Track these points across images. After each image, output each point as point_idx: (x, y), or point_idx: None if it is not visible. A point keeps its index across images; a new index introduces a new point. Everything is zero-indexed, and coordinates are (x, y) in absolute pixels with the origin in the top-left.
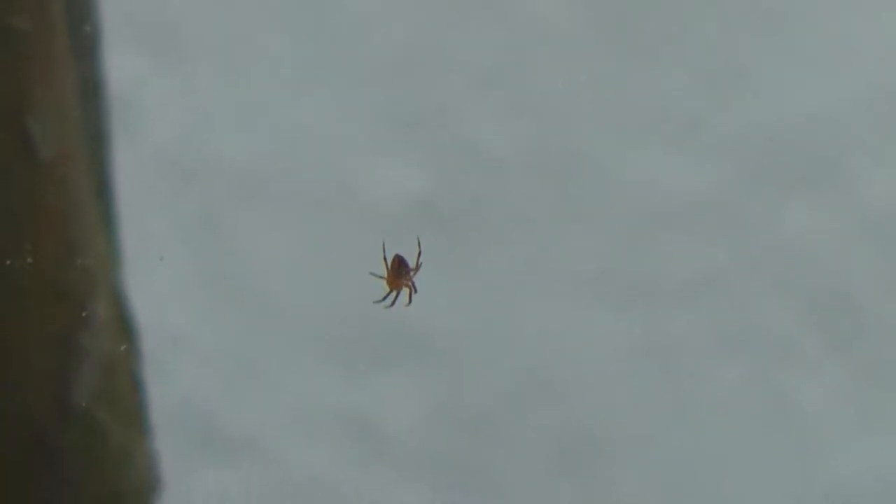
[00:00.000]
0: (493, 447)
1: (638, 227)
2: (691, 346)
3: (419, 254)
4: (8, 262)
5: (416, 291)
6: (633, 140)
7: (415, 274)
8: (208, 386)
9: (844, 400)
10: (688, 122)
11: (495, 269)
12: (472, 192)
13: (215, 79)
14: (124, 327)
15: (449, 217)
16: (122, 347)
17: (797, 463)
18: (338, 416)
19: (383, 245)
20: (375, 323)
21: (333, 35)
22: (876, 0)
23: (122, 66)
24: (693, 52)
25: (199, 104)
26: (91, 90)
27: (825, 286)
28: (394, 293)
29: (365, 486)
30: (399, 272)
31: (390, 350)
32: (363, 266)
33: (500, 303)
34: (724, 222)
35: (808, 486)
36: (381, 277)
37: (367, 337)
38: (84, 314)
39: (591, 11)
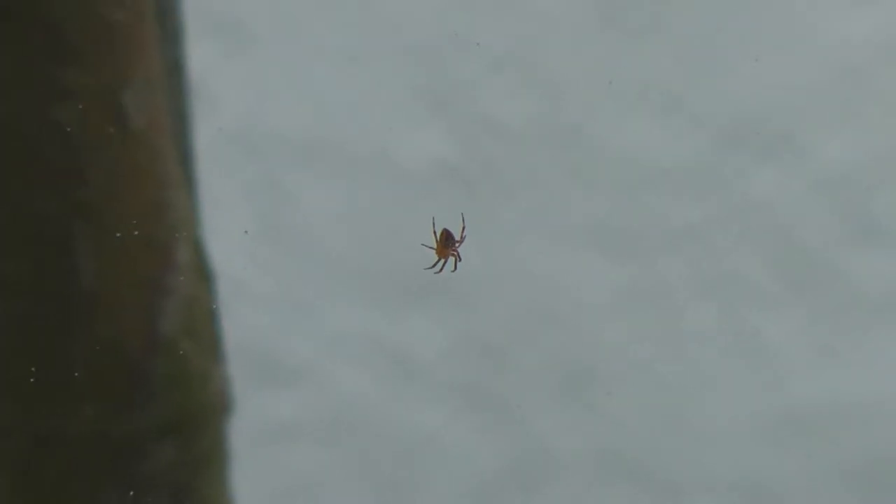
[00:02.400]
0: (506, 371)
1: (628, 187)
2: (673, 287)
3: (463, 228)
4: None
5: (460, 260)
6: (624, 113)
7: (459, 245)
8: (269, 321)
9: (802, 334)
10: (671, 99)
11: (508, 222)
12: (489, 156)
13: (275, 63)
14: (203, 272)
15: (469, 177)
16: (201, 288)
17: (761, 387)
18: (375, 347)
19: (433, 220)
20: (408, 268)
21: (373, 26)
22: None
23: (198, 52)
24: (675, 40)
25: (262, 84)
26: (174, 72)
27: (786, 238)
28: (441, 261)
29: (398, 403)
30: (446, 243)
31: (420, 291)
32: (399, 219)
33: (511, 250)
34: (701, 184)
35: (769, 406)
36: (430, 248)
37: (400, 280)
38: (171, 256)
39: (590, 4)
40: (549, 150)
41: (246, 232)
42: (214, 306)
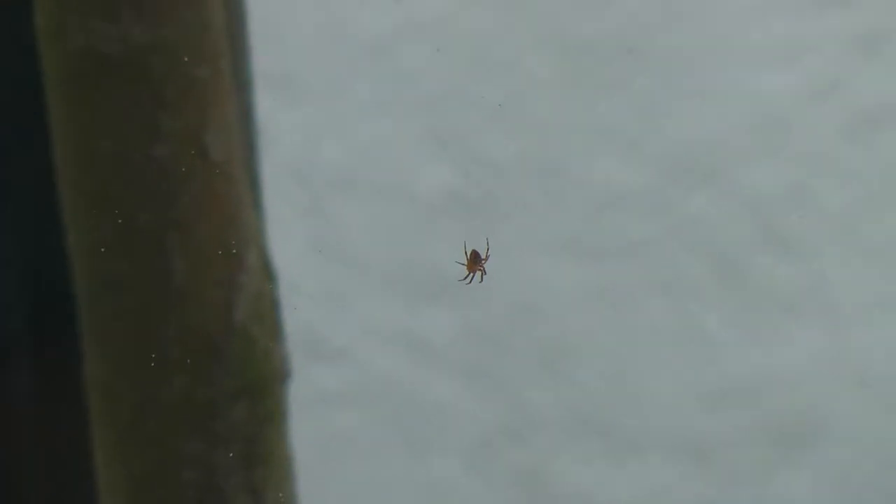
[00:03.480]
0: (500, 351)
1: (595, 208)
2: (631, 286)
3: (487, 249)
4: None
5: (486, 274)
6: (594, 152)
7: (485, 262)
8: (315, 313)
9: (732, 322)
10: (629, 140)
11: (502, 237)
12: (487, 186)
13: (317, 111)
14: (267, 273)
15: (470, 202)
16: (266, 286)
17: (700, 363)
18: (400, 333)
19: (464, 243)
20: (426, 272)
21: (398, 80)
22: (755, 56)
23: (263, 101)
24: (632, 94)
25: (310, 127)
26: (245, 116)
27: (720, 249)
28: (470, 275)
29: (418, 376)
30: (475, 261)
31: (435, 291)
32: (418, 234)
33: (505, 259)
34: (652, 205)
35: (707, 378)
36: (462, 264)
37: (420, 282)
38: (244, 260)
39: (566, 65)
40: (535, 181)
41: (320, 251)
42: (276, 300)
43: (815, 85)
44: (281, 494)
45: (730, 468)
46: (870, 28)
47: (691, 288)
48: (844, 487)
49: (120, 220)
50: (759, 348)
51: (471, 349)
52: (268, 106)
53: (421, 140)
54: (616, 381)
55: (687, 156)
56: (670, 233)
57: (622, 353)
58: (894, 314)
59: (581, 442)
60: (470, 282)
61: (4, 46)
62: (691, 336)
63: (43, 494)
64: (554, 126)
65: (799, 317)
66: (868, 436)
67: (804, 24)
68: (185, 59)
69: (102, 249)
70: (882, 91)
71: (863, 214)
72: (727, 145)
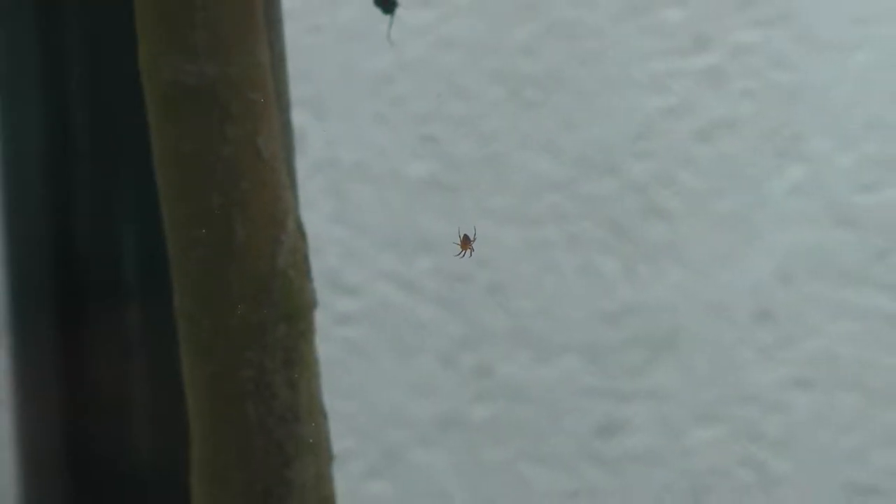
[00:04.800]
0: (464, 288)
1: (529, 190)
2: (554, 244)
3: (475, 234)
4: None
5: (473, 251)
6: (528, 150)
7: (473, 242)
8: (334, 262)
9: (623, 268)
10: (552, 142)
11: (464, 208)
12: (455, 174)
13: (336, 123)
14: (301, 233)
15: (444, 185)
16: (300, 242)
17: (600, 296)
18: (393, 276)
19: (459, 229)
20: (413, 233)
21: (391, 102)
22: (639, 86)
23: (297, 116)
24: (555, 110)
25: (329, 134)
26: (285, 127)
27: (615, 217)
28: (462, 252)
29: (410, 303)
30: (465, 242)
31: (420, 246)
32: (408, 206)
33: (466, 225)
34: (569, 188)
35: (604, 306)
36: (457, 244)
37: (409, 240)
38: (285, 226)
39: (509, 90)
40: (488, 170)
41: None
42: (306, 253)
43: (679, 105)
44: (310, 387)
45: (618, 365)
46: (715, 67)
47: (594, 244)
48: (697, 379)
49: (198, 201)
50: (640, 285)
51: (443, 286)
52: (301, 120)
53: (410, 142)
54: (542, 306)
55: (593, 154)
56: (580, 205)
57: (548, 288)
58: (732, 264)
59: (517, 348)
60: (462, 257)
61: (123, 79)
62: (594, 276)
63: (154, 401)
64: (501, 131)
65: (667, 264)
66: (713, 344)
67: (672, 64)
68: (243, 87)
69: (187, 220)
70: (721, 109)
71: (711, 193)
72: (621, 147)
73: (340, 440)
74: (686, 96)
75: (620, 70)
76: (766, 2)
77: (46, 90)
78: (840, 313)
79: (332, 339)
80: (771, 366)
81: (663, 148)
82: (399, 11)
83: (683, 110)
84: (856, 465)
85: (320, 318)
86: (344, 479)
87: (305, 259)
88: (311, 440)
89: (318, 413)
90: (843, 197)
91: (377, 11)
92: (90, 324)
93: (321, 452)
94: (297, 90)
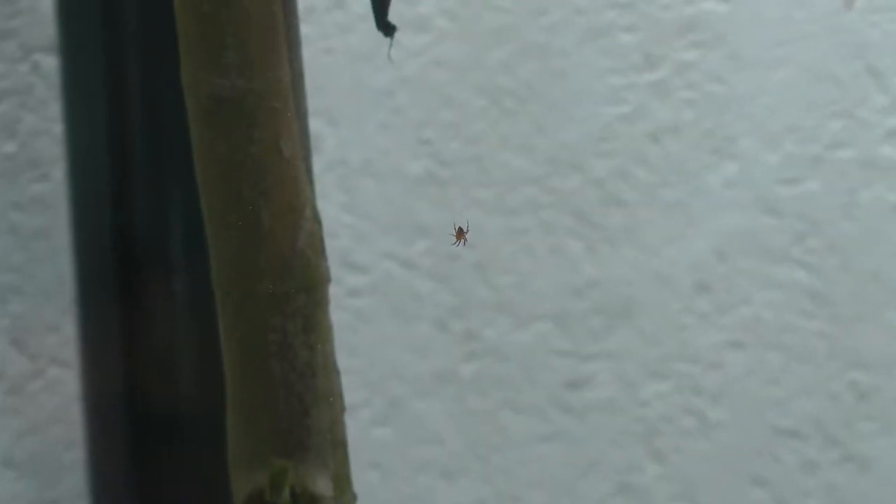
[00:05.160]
0: (455, 266)
1: (508, 185)
2: (530, 228)
3: (468, 227)
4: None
5: (466, 241)
6: (505, 150)
7: (466, 233)
8: (345, 244)
9: (587, 248)
10: (527, 142)
11: (454, 199)
12: (446, 171)
13: (346, 129)
14: (317, 220)
15: (438, 180)
16: (316, 227)
17: (567, 273)
18: (395, 255)
19: (454, 223)
20: (412, 221)
21: (393, 111)
22: (600, 97)
23: (313, 124)
24: (528, 117)
25: (339, 138)
26: (304, 132)
27: (579, 205)
28: (457, 242)
29: (405, 281)
30: (459, 233)
31: (417, 231)
32: (407, 197)
33: (456, 214)
34: (542, 183)
35: (571, 281)
36: (453, 234)
37: (408, 226)
38: (303, 213)
39: (492, 101)
40: (474, 168)
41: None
42: (321, 236)
43: (632, 112)
44: (325, 348)
45: (583, 330)
46: (661, 81)
47: (562, 229)
48: (647, 341)
49: (231, 192)
50: (600, 263)
51: (436, 264)
52: (317, 126)
53: (408, 144)
54: (519, 281)
55: (561, 154)
56: (551, 197)
57: (523, 266)
58: (676, 244)
59: (498, 316)
60: (457, 246)
61: (170, 91)
62: (562, 256)
63: (197, 359)
64: (484, 135)
65: (622, 245)
66: (660, 312)
67: (626, 79)
68: (267, 98)
69: (222, 209)
70: (666, 116)
71: (659, 185)
72: (584, 148)
73: (351, 393)
74: (638, 105)
75: (583, 84)
76: (702, 27)
77: (108, 101)
78: (766, 285)
79: (344, 308)
80: (709, 330)
81: (620, 148)
82: (398, 36)
83: (636, 117)
84: (780, 412)
85: (333, 290)
86: (354, 426)
87: (320, 241)
88: (326, 393)
89: (332, 370)
90: (768, 189)
91: (380, 36)
92: (143, 296)
93: (335, 403)
94: (314, 101)
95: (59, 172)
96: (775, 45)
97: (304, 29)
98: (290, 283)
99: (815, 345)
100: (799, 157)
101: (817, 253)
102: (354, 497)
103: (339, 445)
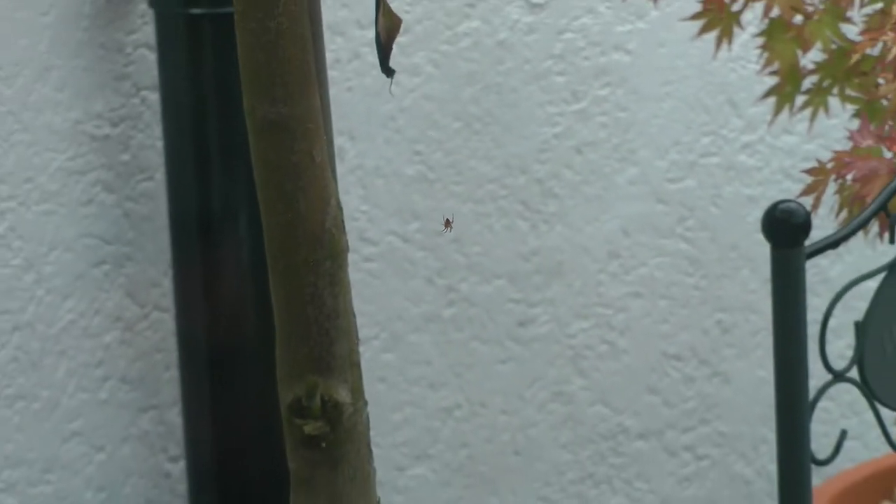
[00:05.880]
0: (442, 239)
1: (482, 180)
2: (498, 210)
3: (453, 218)
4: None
5: (451, 229)
6: (478, 156)
7: (452, 222)
8: (360, 225)
9: (539, 221)
10: (499, 147)
11: (441, 192)
12: (434, 172)
13: (361, 143)
14: (339, 207)
15: (428, 179)
16: (339, 212)
17: (521, 241)
18: (397, 232)
19: (443, 216)
20: (410, 207)
21: (395, 130)
22: (550, 109)
23: (336, 139)
24: (501, 126)
25: (356, 150)
26: (330, 143)
27: (536, 190)
28: (445, 230)
29: (406, 251)
30: (447, 223)
31: (413, 214)
32: (405, 191)
33: (443, 202)
34: (508, 176)
35: (522, 249)
36: (442, 224)
37: (407, 211)
38: (330, 202)
39: (467, 121)
40: (454, 171)
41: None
42: (342, 219)
43: (563, 132)
44: (345, 298)
45: (529, 284)
46: (584, 110)
47: (514, 213)
48: (574, 293)
49: (277, 187)
50: (541, 237)
51: (426, 239)
52: (340, 142)
53: (406, 154)
54: (484, 250)
55: (513, 161)
56: (506, 191)
57: (487, 238)
58: (594, 224)
59: (470, 275)
60: (444, 234)
61: (237, 114)
62: (514, 232)
63: (255, 304)
64: (459, 148)
65: (557, 225)
66: (583, 272)
67: (559, 108)
68: (304, 120)
69: (271, 199)
70: (587, 134)
71: (582, 183)
72: (529, 156)
73: (364, 329)
74: (567, 127)
75: (529, 112)
76: (612, 72)
77: (193, 123)
78: (657, 253)
79: (360, 270)
80: (618, 285)
81: (554, 157)
82: (397, 77)
83: (566, 135)
84: (667, 342)
85: (351, 258)
86: (366, 352)
87: (342, 222)
88: (346, 329)
89: (349, 313)
90: (659, 185)
91: (385, 77)
92: (218, 261)
93: (352, 336)
94: (338, 124)
95: (160, 175)
96: (663, 84)
97: (331, 73)
98: (320, 252)
99: (691, 294)
100: (681, 163)
101: (693, 230)
102: (366, 403)
103: (355, 366)
